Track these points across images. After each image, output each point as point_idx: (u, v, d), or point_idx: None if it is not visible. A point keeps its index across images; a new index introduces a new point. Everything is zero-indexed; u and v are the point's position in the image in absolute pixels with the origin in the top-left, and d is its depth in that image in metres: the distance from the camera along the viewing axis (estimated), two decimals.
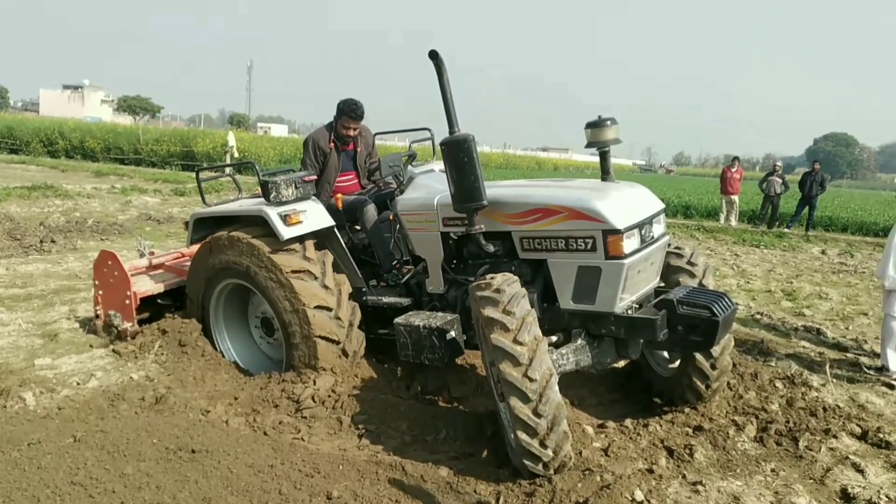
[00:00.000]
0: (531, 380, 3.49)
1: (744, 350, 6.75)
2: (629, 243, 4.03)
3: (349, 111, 5.40)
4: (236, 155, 28.45)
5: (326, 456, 4.00)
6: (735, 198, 19.35)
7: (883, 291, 6.17)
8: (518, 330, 3.59)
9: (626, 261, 3.99)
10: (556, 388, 3.56)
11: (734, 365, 6.07)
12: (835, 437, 4.71)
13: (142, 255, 6.35)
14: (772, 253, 14.67)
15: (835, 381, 5.94)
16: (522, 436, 3.53)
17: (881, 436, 4.74)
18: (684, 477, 4.04)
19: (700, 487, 3.91)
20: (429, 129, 6.15)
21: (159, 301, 5.94)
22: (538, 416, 3.49)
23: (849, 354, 7.01)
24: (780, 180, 18.58)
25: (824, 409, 5.16)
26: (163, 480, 3.49)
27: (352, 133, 5.48)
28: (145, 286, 5.83)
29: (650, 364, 5.24)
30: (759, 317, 8.52)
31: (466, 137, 4.15)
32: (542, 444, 3.54)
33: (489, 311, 3.67)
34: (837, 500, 3.97)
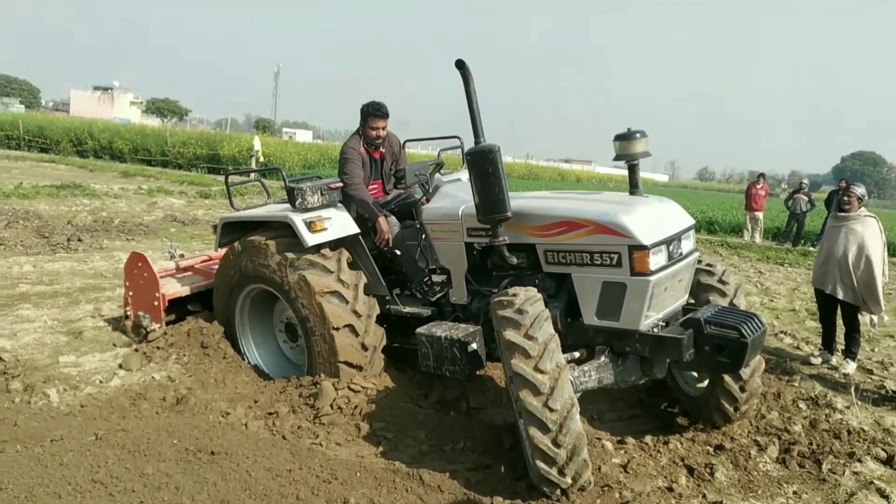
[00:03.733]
0: (551, 410, 3.44)
1: (767, 369, 6.63)
2: (656, 259, 4.00)
3: (374, 111, 5.39)
4: (262, 159, 28.71)
5: (344, 462, 4.01)
6: (759, 214, 19.16)
7: None
8: (540, 357, 3.54)
9: (652, 277, 3.96)
10: (577, 416, 3.51)
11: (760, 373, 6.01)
12: (859, 461, 4.63)
13: (172, 258, 6.42)
14: (796, 271, 14.48)
15: (860, 403, 5.84)
16: (541, 464, 3.50)
17: None
18: (704, 496, 3.99)
19: None
20: (458, 138, 6.12)
21: (189, 307, 6.00)
22: (558, 446, 3.45)
23: (874, 377, 6.89)
24: (805, 198, 18.37)
25: (849, 432, 5.07)
26: (182, 481, 3.51)
27: (381, 133, 5.44)
28: (173, 288, 5.90)
29: (678, 382, 5.18)
30: (782, 336, 8.39)
31: (492, 148, 4.15)
32: (561, 473, 3.50)
33: (510, 335, 3.63)
34: None
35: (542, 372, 3.52)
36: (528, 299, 3.81)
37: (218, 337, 5.50)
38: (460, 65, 4.14)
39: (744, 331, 3.92)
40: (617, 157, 4.35)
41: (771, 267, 15.04)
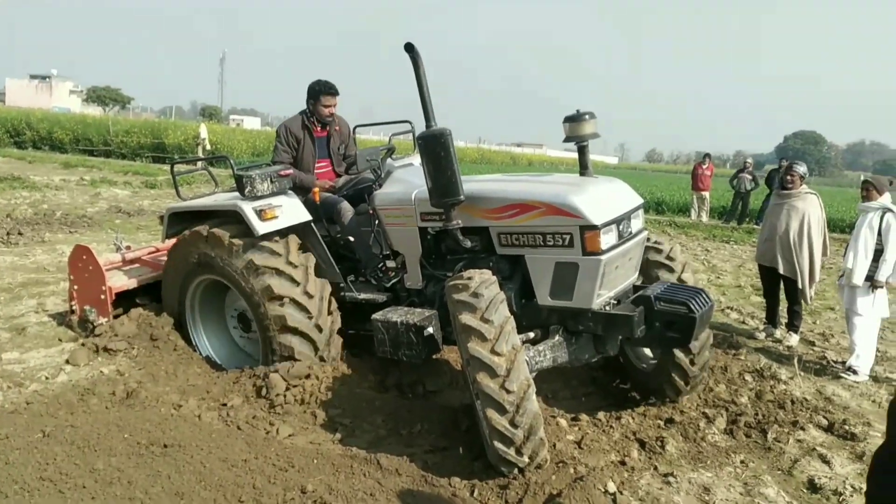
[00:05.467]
0: (508, 391, 3.48)
1: (714, 344, 6.79)
2: (606, 239, 4.06)
3: (325, 89, 5.38)
4: (208, 147, 28.08)
5: (301, 450, 3.99)
6: (706, 194, 19.63)
7: (845, 287, 6.31)
8: (496, 340, 3.57)
9: (603, 257, 4.02)
10: (534, 397, 3.56)
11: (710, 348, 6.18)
12: (802, 429, 4.82)
13: (118, 250, 6.25)
14: (741, 248, 14.88)
15: (802, 374, 6.06)
16: (499, 445, 3.54)
17: (847, 427, 4.85)
18: (656, 469, 4.10)
19: (671, 479, 3.97)
20: (409, 122, 6.08)
21: (137, 300, 5.86)
22: (515, 426, 3.49)
23: (816, 348, 7.16)
24: (749, 177, 18.86)
25: (792, 402, 5.26)
26: (134, 475, 3.45)
27: (333, 110, 5.44)
28: (120, 281, 5.75)
29: (630, 359, 5.29)
30: (729, 311, 8.65)
31: (443, 132, 4.15)
32: (518, 452, 3.55)
33: (466, 319, 3.65)
34: (804, 490, 4.06)
35: (498, 354, 3.55)
36: (483, 282, 3.83)
37: (168, 329, 5.40)
38: (409, 48, 4.11)
39: (692, 306, 4.02)
40: (567, 139, 4.39)
41: (717, 245, 15.43)
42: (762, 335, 7.37)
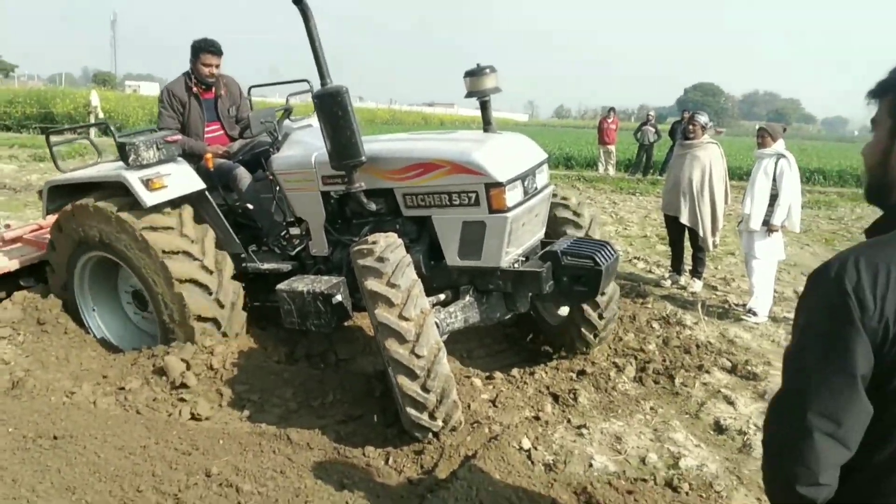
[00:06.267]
0: (418, 356, 3.41)
1: (622, 294, 6.97)
2: (512, 196, 3.99)
3: (206, 46, 5.09)
4: (101, 115, 26.39)
5: (206, 431, 3.82)
6: (612, 147, 20.04)
7: (744, 233, 6.54)
8: (404, 304, 3.47)
9: (509, 214, 3.96)
10: (445, 360, 3.50)
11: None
12: (707, 372, 4.99)
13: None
14: (647, 200, 15.31)
15: (706, 318, 6.28)
16: (412, 411, 3.48)
17: (749, 368, 5.06)
18: (569, 421, 4.15)
19: (584, 430, 4.02)
20: (307, 81, 5.77)
21: (21, 282, 5.43)
22: (427, 391, 3.43)
23: (718, 293, 7.43)
24: (652, 129, 19.37)
25: (697, 347, 5.44)
26: (20, 472, 3.18)
27: (214, 70, 5.15)
28: (0, 263, 5.31)
29: (540, 314, 5.31)
30: (636, 261, 8.88)
31: (339, 89, 3.96)
32: (432, 417, 3.51)
33: (372, 284, 3.54)
34: (711, 432, 4.20)
35: (406, 319, 3.46)
36: (388, 246, 3.71)
37: (56, 311, 5.03)
38: (297, 1, 3.88)
39: (598, 259, 4.04)
40: (468, 94, 4.27)
41: (624, 197, 15.82)
42: (668, 283, 7.59)
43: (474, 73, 4.21)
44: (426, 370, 3.43)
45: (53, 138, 5.14)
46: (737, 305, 6.82)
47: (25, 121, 29.19)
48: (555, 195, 4.92)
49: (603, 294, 4.71)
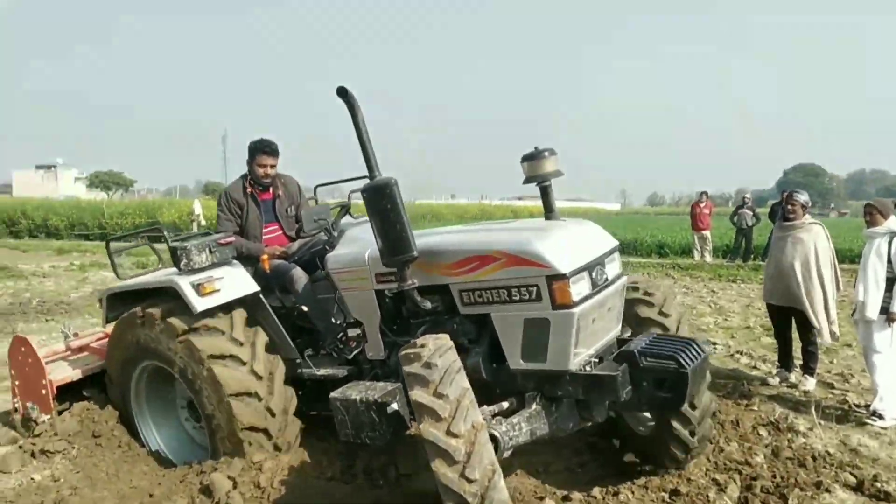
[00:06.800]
0: (470, 481, 2.94)
1: (723, 395, 6.26)
2: (577, 289, 3.57)
3: (262, 147, 5.03)
4: (203, 223, 27.90)
5: None
6: (707, 233, 19.15)
7: (860, 323, 5.76)
8: (452, 418, 3.04)
9: (576, 309, 3.52)
10: (502, 484, 3.01)
11: (714, 413, 5.59)
12: (828, 490, 4.22)
13: (65, 338, 5.78)
14: (749, 287, 14.32)
15: (822, 423, 5.47)
16: None
17: (878, 485, 4.26)
18: None
19: None
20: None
21: (84, 392, 5.35)
22: None
23: (835, 391, 6.56)
24: (750, 212, 18.42)
25: (814, 458, 4.68)
26: None
27: (270, 171, 5.06)
28: (63, 373, 5.25)
29: (627, 422, 4.71)
30: (738, 356, 8.08)
31: (388, 182, 3.73)
32: None
33: (417, 395, 3.14)
34: None
35: (455, 436, 3.01)
36: (437, 349, 3.32)
37: (112, 423, 4.88)
38: (342, 93, 3.74)
39: (682, 360, 3.49)
40: (527, 180, 3.96)
41: (723, 285, 14.88)
42: (776, 380, 6.78)
43: (532, 158, 3.90)
44: (479, 497, 2.95)
45: (114, 245, 5.14)
46: (858, 407, 5.93)
47: (135, 231, 31.12)
48: (636, 289, 4.44)
49: (695, 408, 4.12)
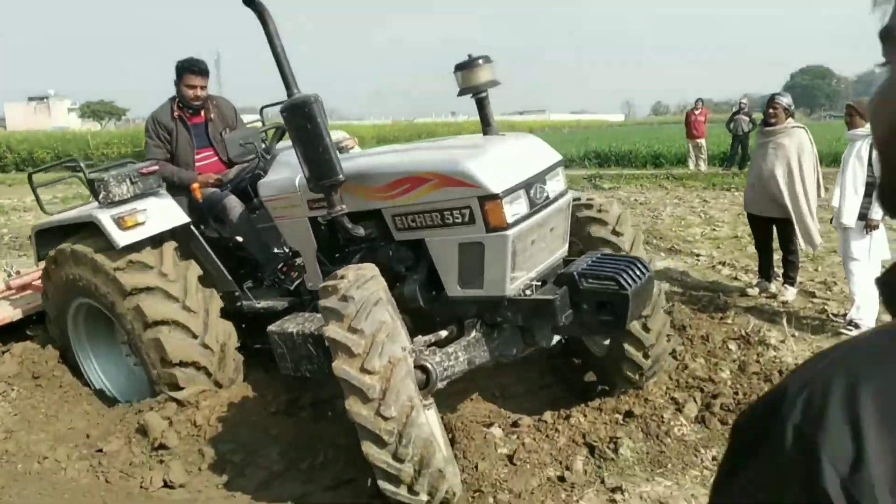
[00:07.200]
0: (385, 418, 2.77)
1: (698, 308, 6.06)
2: (513, 209, 3.28)
3: (189, 66, 4.65)
4: None
5: (176, 502, 3.31)
6: (701, 141, 18.56)
7: (838, 229, 5.48)
8: (367, 354, 2.85)
9: (510, 232, 3.24)
10: (422, 419, 2.85)
11: (684, 328, 5.40)
12: None
13: (9, 276, 5.58)
14: (742, 195, 13.92)
15: (796, 334, 5.29)
16: (385, 485, 2.85)
17: None
18: (603, 482, 3.37)
19: (619, 496, 3.22)
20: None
21: (28, 332, 5.18)
22: (399, 460, 2.79)
23: (816, 300, 6.34)
24: (746, 118, 17.78)
25: (780, 373, 4.48)
26: None
27: (199, 93, 4.69)
28: (2, 313, 5.07)
29: (584, 343, 4.52)
30: (720, 267, 7.84)
31: (307, 99, 3.41)
32: (412, 491, 2.85)
33: (331, 330, 2.95)
34: None
35: (369, 373, 2.82)
36: (357, 281, 3.09)
37: (52, 363, 4.72)
38: (249, 2, 3.36)
39: (623, 281, 3.24)
40: (461, 92, 3.62)
41: (716, 194, 14.53)
42: (755, 291, 6.56)
43: (466, 66, 3.54)
44: (397, 434, 2.77)
45: (36, 178, 4.85)
46: (836, 316, 5.73)
47: (123, 161, 30.61)
48: (590, 206, 4.14)
49: (648, 330, 3.89)
